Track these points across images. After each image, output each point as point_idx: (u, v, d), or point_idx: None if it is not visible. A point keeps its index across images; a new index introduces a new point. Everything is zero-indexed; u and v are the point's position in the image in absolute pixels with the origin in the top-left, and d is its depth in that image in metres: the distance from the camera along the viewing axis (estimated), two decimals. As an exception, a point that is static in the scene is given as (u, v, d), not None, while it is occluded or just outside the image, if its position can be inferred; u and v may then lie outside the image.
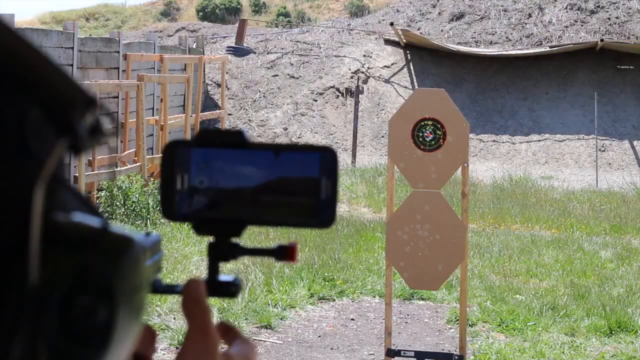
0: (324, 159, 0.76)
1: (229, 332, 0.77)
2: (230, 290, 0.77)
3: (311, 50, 22.74)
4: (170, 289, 0.75)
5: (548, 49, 21.66)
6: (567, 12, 23.26)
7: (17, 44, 0.53)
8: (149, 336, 0.73)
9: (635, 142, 20.14)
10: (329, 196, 0.76)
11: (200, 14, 40.73)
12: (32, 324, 0.54)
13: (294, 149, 0.76)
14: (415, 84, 21.52)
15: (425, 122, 5.49)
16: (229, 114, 19.99)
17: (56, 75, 0.55)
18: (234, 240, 0.77)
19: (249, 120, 20.48)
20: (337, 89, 21.44)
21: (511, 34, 23.07)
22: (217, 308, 7.34)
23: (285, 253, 0.77)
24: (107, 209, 10.66)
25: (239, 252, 0.77)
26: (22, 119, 0.53)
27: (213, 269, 0.77)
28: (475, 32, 23.25)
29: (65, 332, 0.56)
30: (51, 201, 0.55)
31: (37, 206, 0.53)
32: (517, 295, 8.36)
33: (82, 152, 0.58)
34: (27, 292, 0.53)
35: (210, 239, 0.77)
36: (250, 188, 0.75)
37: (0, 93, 0.53)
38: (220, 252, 0.77)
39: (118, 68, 14.03)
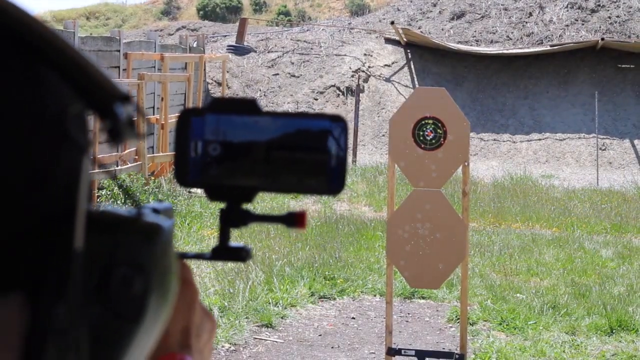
0: (334, 127, 0.77)
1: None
2: (240, 255, 0.79)
3: (312, 49, 22.74)
4: (182, 255, 0.78)
5: (549, 47, 21.65)
6: (567, 10, 23.25)
7: (66, 47, 0.59)
8: (187, 268, 0.78)
9: (635, 141, 20.13)
10: (339, 163, 0.77)
11: (201, 12, 40.73)
12: (76, 289, 0.57)
13: (306, 116, 0.78)
14: (416, 82, 21.52)
15: (426, 121, 5.49)
16: (230, 113, 19.99)
17: (97, 73, 0.61)
18: (245, 206, 0.78)
19: (250, 119, 20.50)
20: (338, 88, 21.44)
21: (512, 32, 23.06)
22: (217, 307, 7.35)
23: (294, 220, 0.78)
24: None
25: (249, 218, 0.78)
26: (65, 111, 0.58)
27: (224, 235, 0.79)
28: (475, 31, 23.24)
29: (103, 301, 0.59)
30: (88, 191, 0.60)
31: (85, 181, 0.59)
32: (518, 294, 8.36)
33: (121, 139, 0.62)
34: (73, 257, 0.57)
35: (222, 205, 0.78)
36: (262, 155, 0.77)
37: (46, 88, 0.58)
38: (231, 219, 0.78)
39: (119, 67, 14.03)
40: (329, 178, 0.77)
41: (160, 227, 0.64)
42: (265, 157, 0.77)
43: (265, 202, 12.62)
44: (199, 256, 0.80)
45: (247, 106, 0.77)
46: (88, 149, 0.59)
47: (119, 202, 10.87)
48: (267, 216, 0.80)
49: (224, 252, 0.79)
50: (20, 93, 0.57)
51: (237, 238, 9.73)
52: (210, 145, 0.77)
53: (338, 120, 0.78)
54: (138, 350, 0.61)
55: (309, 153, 0.77)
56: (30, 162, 0.56)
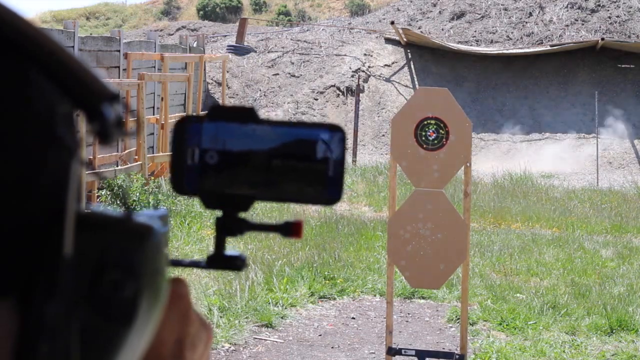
0: (332, 137, 0.77)
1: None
2: (236, 264, 0.78)
3: (312, 49, 22.75)
4: (177, 263, 0.78)
5: (549, 47, 21.67)
6: (567, 10, 23.26)
7: (53, 46, 0.58)
8: (182, 283, 0.78)
9: (635, 141, 20.14)
10: (336, 173, 0.77)
11: (201, 12, 40.75)
12: (66, 292, 0.57)
13: (304, 125, 0.77)
14: (416, 82, 21.53)
15: (428, 121, 5.48)
16: (230, 113, 20.01)
17: (85, 72, 0.59)
18: (242, 215, 0.78)
19: (250, 119, 20.51)
20: (338, 88, 21.45)
21: (512, 32, 23.06)
22: (217, 307, 7.35)
23: (291, 229, 0.78)
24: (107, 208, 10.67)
25: (246, 227, 0.78)
26: (53, 111, 0.58)
27: (220, 244, 0.79)
28: (475, 31, 23.24)
29: (93, 305, 0.59)
30: (78, 192, 0.60)
31: (73, 183, 0.58)
32: (518, 294, 8.36)
33: (109, 140, 0.61)
34: (62, 261, 0.57)
35: (218, 213, 0.78)
36: (260, 163, 0.76)
37: (33, 88, 0.57)
38: (227, 227, 0.78)
39: (119, 67, 14.03)
40: (327, 188, 0.77)
41: (151, 229, 0.63)
42: (263, 166, 0.76)
43: (265, 203, 12.61)
44: (194, 264, 0.80)
45: (246, 114, 0.77)
46: (76, 150, 0.59)
47: (118, 202, 10.87)
48: (264, 225, 0.79)
49: (219, 260, 0.78)
50: (7, 93, 0.56)
51: (237, 238, 9.73)
52: (208, 153, 0.76)
53: (336, 130, 0.77)
54: (129, 353, 0.61)
55: (306, 162, 0.77)
56: (18, 164, 0.56)
